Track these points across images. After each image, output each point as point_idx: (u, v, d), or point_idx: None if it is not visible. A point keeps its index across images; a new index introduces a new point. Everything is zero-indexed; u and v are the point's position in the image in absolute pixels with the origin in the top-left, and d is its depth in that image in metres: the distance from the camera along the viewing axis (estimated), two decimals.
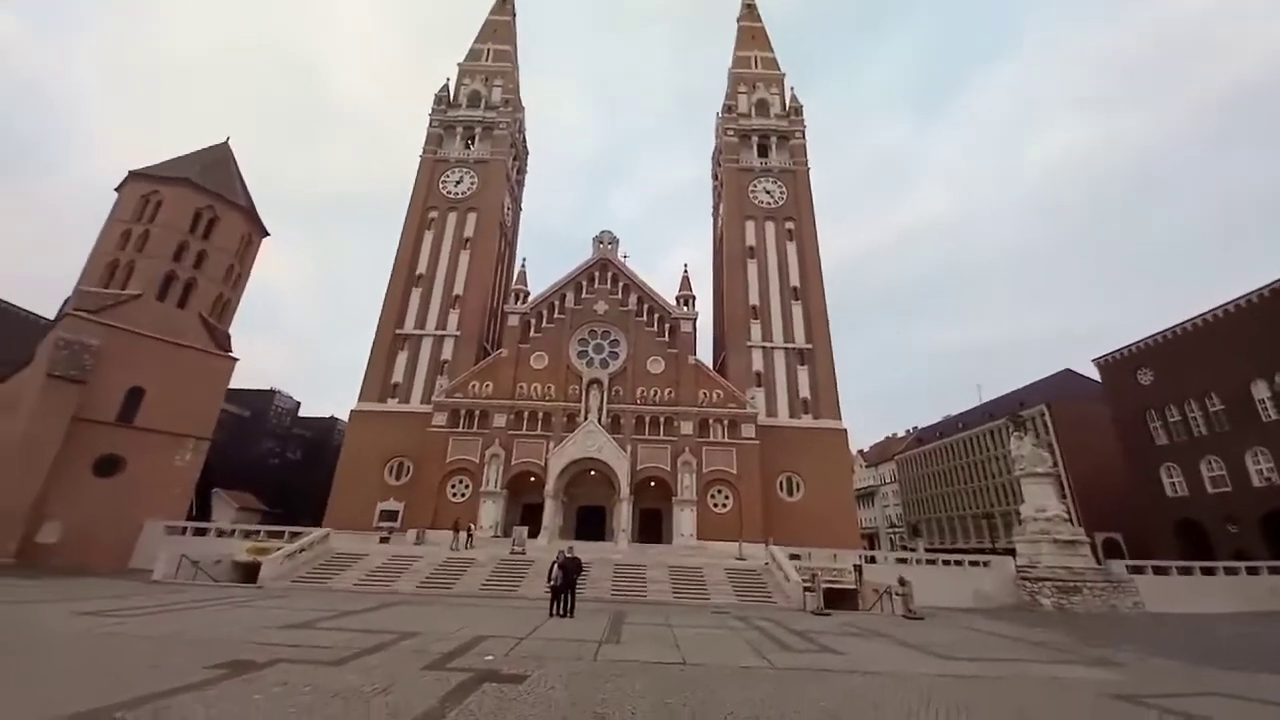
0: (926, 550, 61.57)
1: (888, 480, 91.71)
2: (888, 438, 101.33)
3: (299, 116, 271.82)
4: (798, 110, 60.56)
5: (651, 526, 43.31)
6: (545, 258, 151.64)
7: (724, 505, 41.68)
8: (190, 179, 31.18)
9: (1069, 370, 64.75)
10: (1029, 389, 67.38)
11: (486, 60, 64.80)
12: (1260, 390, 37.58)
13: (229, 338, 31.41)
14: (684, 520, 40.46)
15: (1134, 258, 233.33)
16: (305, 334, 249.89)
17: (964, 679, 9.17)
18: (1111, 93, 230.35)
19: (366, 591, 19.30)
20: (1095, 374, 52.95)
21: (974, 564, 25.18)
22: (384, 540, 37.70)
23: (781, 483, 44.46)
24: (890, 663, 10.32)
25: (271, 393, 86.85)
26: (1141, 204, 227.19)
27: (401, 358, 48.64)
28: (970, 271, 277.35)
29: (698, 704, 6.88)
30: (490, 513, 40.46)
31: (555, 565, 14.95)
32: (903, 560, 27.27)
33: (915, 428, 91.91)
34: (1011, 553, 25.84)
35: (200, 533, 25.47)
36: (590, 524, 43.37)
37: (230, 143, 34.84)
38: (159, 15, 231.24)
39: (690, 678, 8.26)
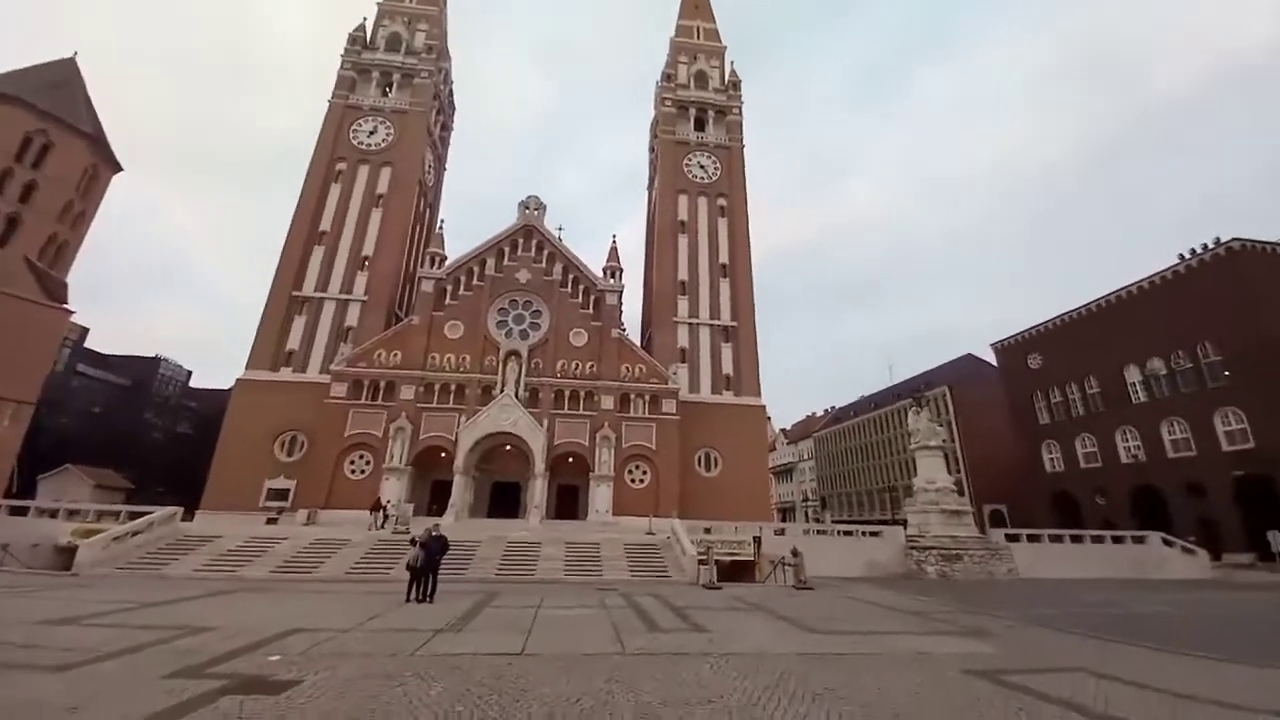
0: (833, 522, 64.66)
1: (806, 457, 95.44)
2: (808, 416, 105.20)
3: (238, 63, 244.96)
4: (736, 85, 59.51)
5: (568, 503, 42.20)
6: (489, 230, 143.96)
7: (641, 480, 41.13)
8: (20, 97, 25.88)
9: (971, 355, 69.08)
10: (935, 371, 71.47)
11: (410, 1, 59.21)
12: (1133, 374, 41.17)
13: (65, 286, 26.74)
14: (600, 496, 39.62)
15: (1048, 252, 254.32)
16: (238, 301, 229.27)
17: (826, 658, 8.53)
18: (1035, 100, 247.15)
19: (206, 578, 16.92)
20: (994, 358, 56.50)
21: (867, 534, 25.88)
22: (271, 521, 34.68)
23: (700, 458, 44.41)
24: (756, 641, 9.61)
25: (156, 360, 78.37)
26: (1058, 204, 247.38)
27: (298, 323, 44.23)
28: (898, 261, 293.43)
29: (495, 711, 5.64)
30: (394, 490, 37.75)
31: (416, 544, 13.35)
32: (806, 532, 27.68)
33: (834, 407, 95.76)
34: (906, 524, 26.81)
35: (19, 511, 21.65)
36: (504, 501, 41.64)
37: (78, 59, 29.24)
38: None
39: (512, 673, 7.05)
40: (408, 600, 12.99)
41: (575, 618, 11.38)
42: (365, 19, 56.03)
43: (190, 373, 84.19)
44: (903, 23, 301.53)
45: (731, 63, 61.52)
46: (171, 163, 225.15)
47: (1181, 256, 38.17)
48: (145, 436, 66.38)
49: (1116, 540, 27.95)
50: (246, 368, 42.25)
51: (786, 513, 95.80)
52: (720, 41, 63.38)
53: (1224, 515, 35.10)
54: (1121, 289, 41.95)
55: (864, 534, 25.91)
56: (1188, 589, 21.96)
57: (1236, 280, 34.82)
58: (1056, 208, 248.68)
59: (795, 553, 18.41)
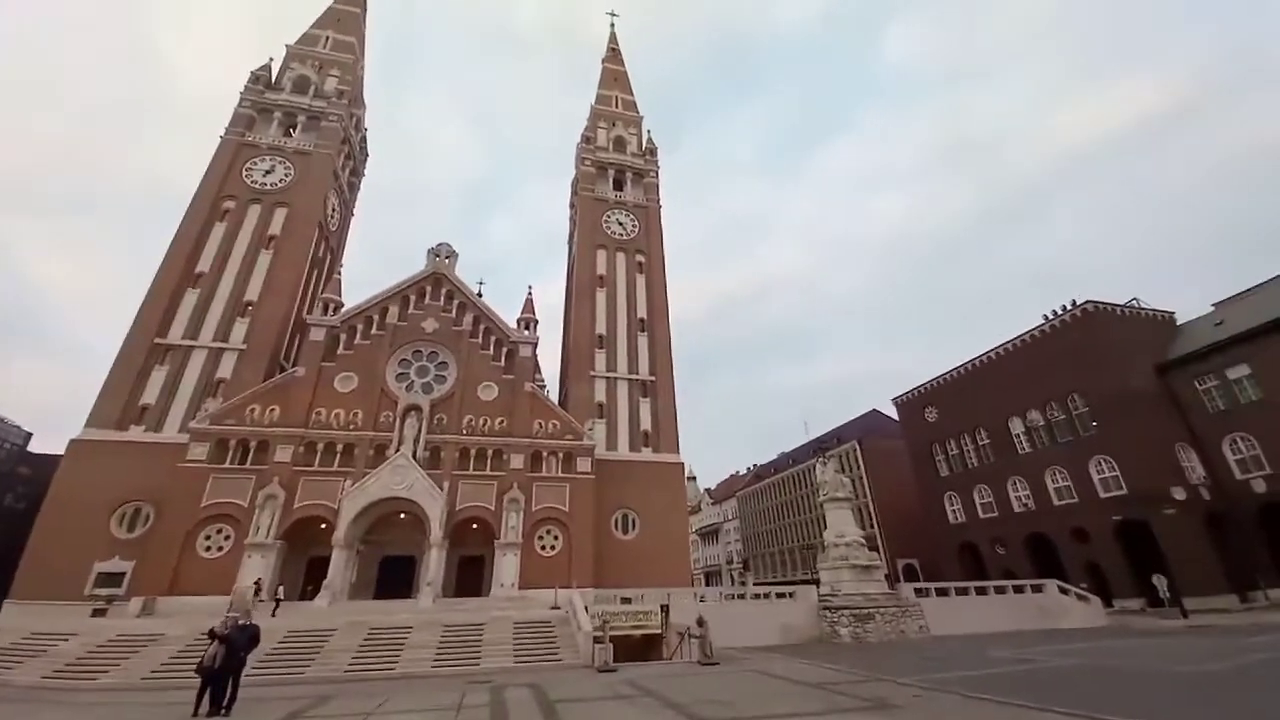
0: (756, 584, 63.20)
1: (730, 517, 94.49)
2: (732, 475, 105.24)
3: (151, 113, 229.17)
4: (653, 151, 62.37)
5: (472, 576, 38.19)
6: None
7: (553, 548, 38.01)
8: None
9: (875, 410, 72.52)
10: (846, 426, 74.16)
11: (323, 48, 58.03)
12: (1016, 426, 44.11)
13: None
14: (506, 567, 36.06)
15: (946, 310, 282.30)
16: (108, 355, 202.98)
17: None
18: (926, 172, 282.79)
19: None
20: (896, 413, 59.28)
21: (780, 596, 24.60)
22: (99, 613, 28.82)
23: (617, 520, 42.19)
24: None
25: None
26: (954, 263, 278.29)
27: (159, 374, 38.70)
28: (813, 320, 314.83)
29: None
30: (258, 569, 32.39)
31: (214, 638, 10.41)
32: (714, 599, 26.01)
33: (756, 465, 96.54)
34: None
35: None
36: (395, 578, 36.87)
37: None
38: None
39: None
40: (195, 714, 9.93)
41: None
42: (271, 59, 54.00)
43: (30, 435, 71.51)
44: (802, 103, 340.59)
45: (648, 131, 64.66)
46: (36, 207, 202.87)
47: (1045, 317, 42.39)
48: None
49: (1018, 590, 28.47)
50: (86, 425, 36.02)
51: (712, 576, 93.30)
52: (638, 112, 66.80)
53: (1109, 560, 37.14)
54: (999, 346, 45.73)
55: (777, 596, 24.59)
56: (1090, 638, 22.09)
57: (1093, 338, 38.89)
58: (948, 265, 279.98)
59: (700, 623, 16.67)
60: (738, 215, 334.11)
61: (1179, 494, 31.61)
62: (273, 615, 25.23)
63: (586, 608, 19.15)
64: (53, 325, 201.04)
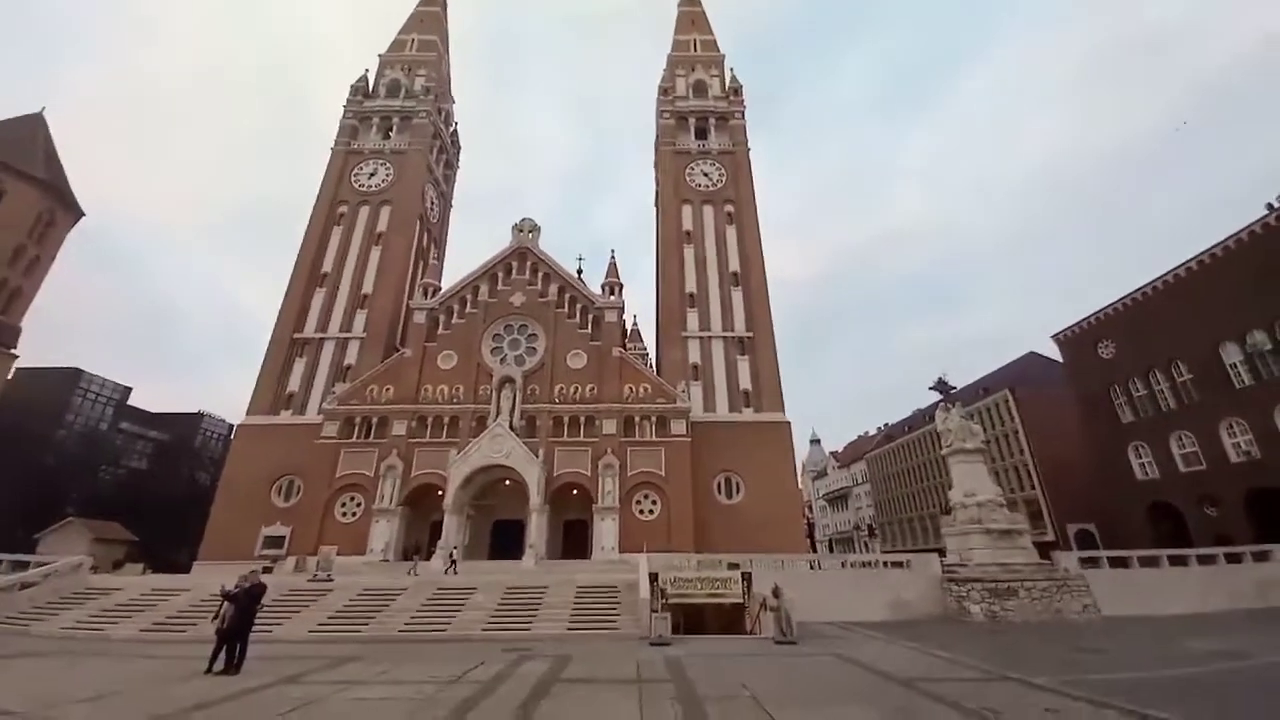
0: (884, 553, 57.06)
1: (860, 481, 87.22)
2: (860, 436, 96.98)
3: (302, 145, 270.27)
4: (737, 90, 57.20)
5: (577, 539, 38.72)
6: None
7: (651, 512, 37.06)
8: None
9: (1033, 353, 60.86)
10: (993, 375, 63.36)
11: (410, 50, 61.12)
12: (1231, 353, 33.62)
13: (17, 332, 26.40)
14: (605, 531, 35.88)
15: (1112, 247, 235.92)
16: None
17: None
18: (1083, 91, 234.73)
19: (71, 636, 14.83)
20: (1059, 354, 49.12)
21: (892, 565, 20.63)
22: (266, 570, 33.54)
23: (719, 484, 39.96)
24: None
25: (199, 416, 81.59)
26: (1116, 195, 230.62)
27: (299, 365, 43.81)
28: (952, 267, 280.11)
29: None
30: (383, 533, 35.54)
31: (224, 598, 10.29)
32: (846, 565, 22.74)
33: (887, 424, 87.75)
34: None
35: None
36: (507, 540, 38.38)
37: (46, 113, 30.09)
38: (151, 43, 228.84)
39: None
40: (209, 670, 9.89)
41: (371, 703, 7.87)
42: (367, 70, 57.75)
43: (233, 426, 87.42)
44: (926, 29, 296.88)
45: (731, 69, 59.28)
46: (246, 232, 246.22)
47: (1270, 205, 31.26)
48: (176, 490, 68.03)
49: (1231, 559, 21.43)
50: (247, 413, 41.89)
51: (841, 544, 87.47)
52: (718, 51, 61.56)
53: None
54: (1204, 253, 34.84)
55: (886, 564, 20.70)
56: None
57: None
58: (1118, 196, 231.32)
59: (776, 593, 14.11)
60: (855, 164, 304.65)
61: None
62: (453, 573, 26.92)
63: (656, 574, 17.43)
64: (249, 333, 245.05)
